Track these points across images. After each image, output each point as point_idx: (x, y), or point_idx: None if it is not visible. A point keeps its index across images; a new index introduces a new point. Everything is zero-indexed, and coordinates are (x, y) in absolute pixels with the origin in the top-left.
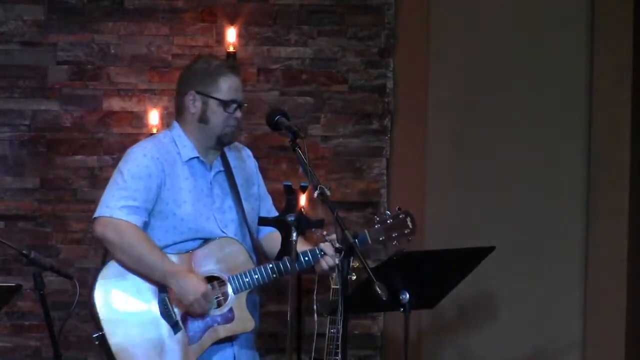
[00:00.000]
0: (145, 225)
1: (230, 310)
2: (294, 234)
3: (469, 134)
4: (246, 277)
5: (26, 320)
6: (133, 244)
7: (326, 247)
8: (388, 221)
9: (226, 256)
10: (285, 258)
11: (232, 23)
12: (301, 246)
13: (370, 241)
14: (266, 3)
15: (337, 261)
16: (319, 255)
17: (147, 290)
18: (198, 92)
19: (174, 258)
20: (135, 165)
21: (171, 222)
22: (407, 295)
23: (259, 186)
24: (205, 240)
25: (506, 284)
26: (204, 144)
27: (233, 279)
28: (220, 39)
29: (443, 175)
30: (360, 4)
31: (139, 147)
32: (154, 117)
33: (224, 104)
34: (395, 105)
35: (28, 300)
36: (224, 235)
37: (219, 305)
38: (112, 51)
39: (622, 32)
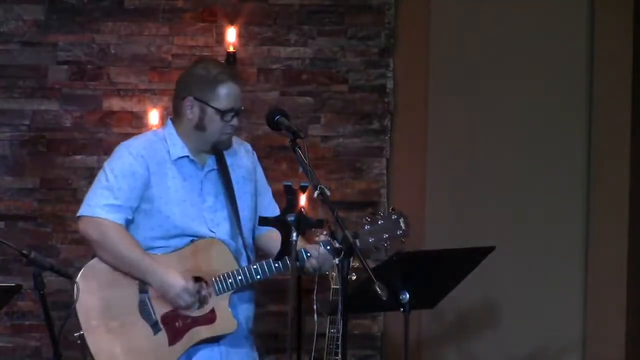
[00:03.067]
0: (130, 223)
1: (212, 311)
2: (294, 234)
3: (469, 134)
4: (229, 278)
5: (26, 320)
6: (114, 242)
7: (312, 248)
8: (379, 222)
9: (211, 257)
10: (271, 260)
11: (232, 23)
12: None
13: (359, 243)
14: (266, 3)
15: (336, 261)
16: (306, 257)
17: (129, 289)
18: (196, 99)
19: (159, 258)
20: (120, 164)
21: (157, 220)
22: (407, 295)
23: (257, 182)
24: (192, 240)
25: (506, 283)
26: (198, 147)
27: (216, 280)
28: (220, 39)
29: (443, 175)
30: (360, 4)
31: (125, 145)
32: (153, 117)
33: (222, 113)
34: (395, 105)
35: (28, 300)
36: (212, 235)
37: (201, 305)
38: (112, 51)
39: (622, 32)
